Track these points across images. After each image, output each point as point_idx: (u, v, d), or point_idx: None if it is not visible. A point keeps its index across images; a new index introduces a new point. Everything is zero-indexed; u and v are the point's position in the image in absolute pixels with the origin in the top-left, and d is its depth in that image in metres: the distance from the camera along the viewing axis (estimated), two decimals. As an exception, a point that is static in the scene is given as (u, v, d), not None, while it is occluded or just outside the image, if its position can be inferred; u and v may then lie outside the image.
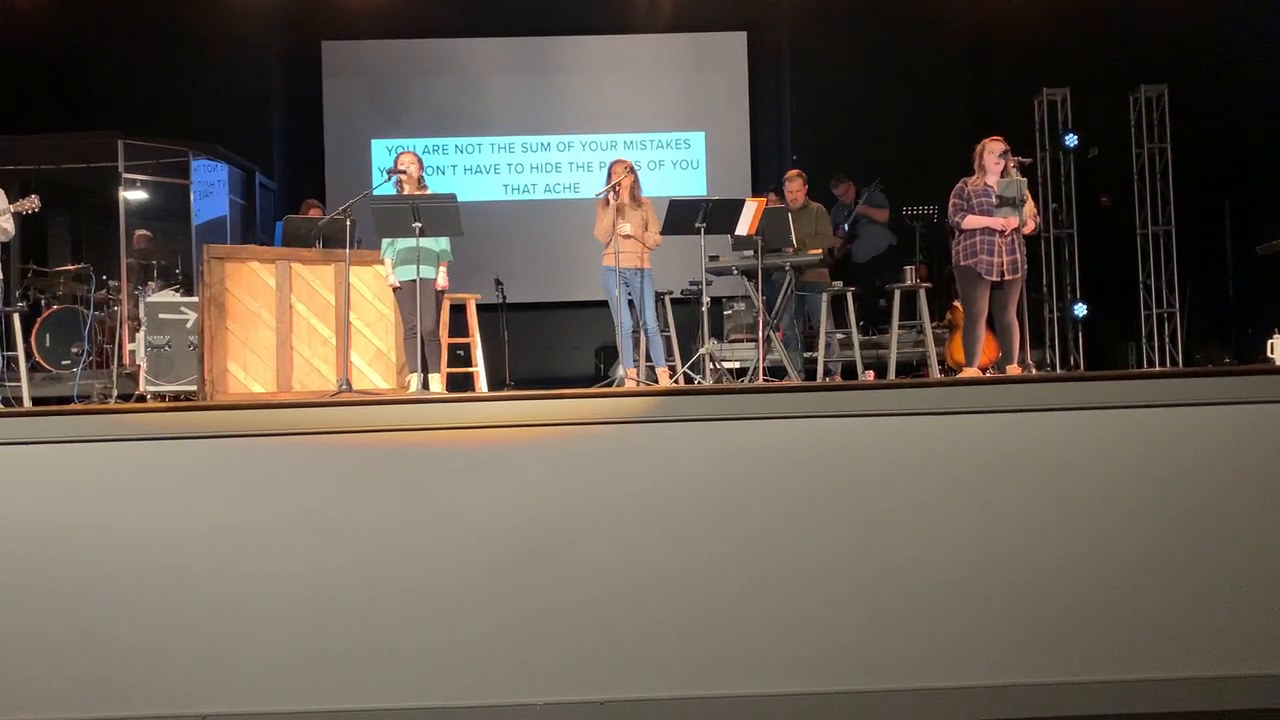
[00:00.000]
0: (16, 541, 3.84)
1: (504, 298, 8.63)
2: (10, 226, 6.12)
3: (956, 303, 7.60)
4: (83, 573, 3.83)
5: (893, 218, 8.46)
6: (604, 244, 6.21)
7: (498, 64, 10.27)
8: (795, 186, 7.08)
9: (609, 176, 6.27)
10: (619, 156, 6.73)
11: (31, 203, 6.09)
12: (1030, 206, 5.85)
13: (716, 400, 4.08)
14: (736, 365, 7.78)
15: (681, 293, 7.60)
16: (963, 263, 5.88)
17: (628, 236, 6.12)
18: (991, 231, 5.76)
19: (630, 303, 6.31)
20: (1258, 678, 3.83)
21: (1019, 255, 5.83)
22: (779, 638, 3.85)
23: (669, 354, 6.84)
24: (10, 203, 6.10)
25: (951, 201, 5.92)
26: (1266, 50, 8.16)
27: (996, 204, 5.76)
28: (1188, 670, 3.84)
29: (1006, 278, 5.81)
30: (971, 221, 5.81)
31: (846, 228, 8.27)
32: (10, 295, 7.74)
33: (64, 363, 7.54)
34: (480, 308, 7.01)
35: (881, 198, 8.31)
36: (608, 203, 6.19)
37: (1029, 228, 5.86)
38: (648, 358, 6.48)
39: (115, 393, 6.80)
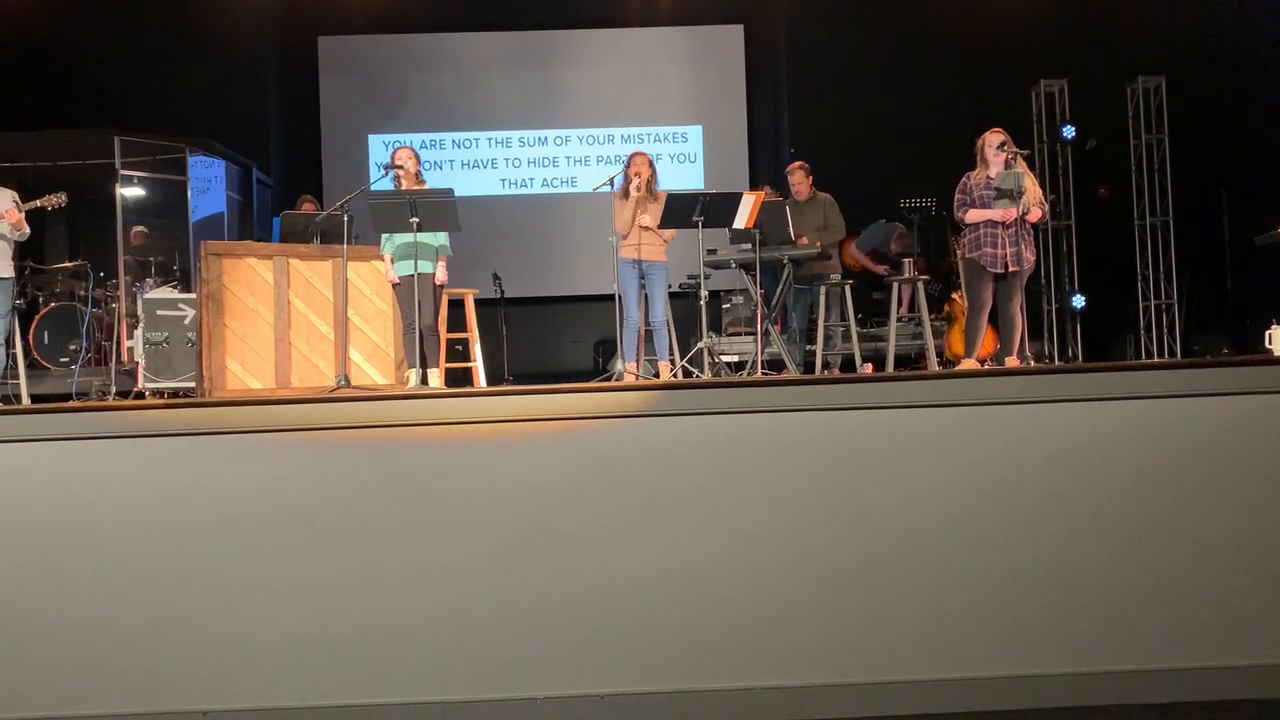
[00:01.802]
0: (15, 539, 3.84)
1: (502, 292, 8.62)
2: (26, 226, 6.10)
3: (955, 295, 7.60)
4: (81, 569, 3.83)
5: (890, 210, 8.46)
6: (622, 236, 6.22)
7: (495, 59, 10.25)
8: (798, 179, 7.00)
9: (627, 167, 6.27)
10: (638, 150, 6.67)
11: (59, 199, 6.07)
12: (1035, 194, 5.80)
13: (715, 394, 4.08)
14: (735, 359, 7.78)
15: (680, 286, 7.59)
16: (967, 255, 5.88)
17: (647, 228, 6.12)
18: (994, 224, 5.74)
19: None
20: (1258, 668, 3.84)
21: (1024, 246, 5.79)
22: (778, 630, 3.86)
23: (669, 348, 6.84)
24: (22, 200, 6.06)
25: (955, 196, 5.92)
26: (1264, 42, 8.15)
27: (995, 196, 5.75)
28: (1187, 660, 3.85)
29: (1010, 269, 5.79)
30: (973, 215, 5.80)
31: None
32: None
33: (62, 360, 7.54)
34: (478, 303, 7.00)
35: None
36: (626, 195, 6.19)
37: (1034, 215, 5.81)
38: (649, 352, 6.49)
39: (113, 390, 6.80)
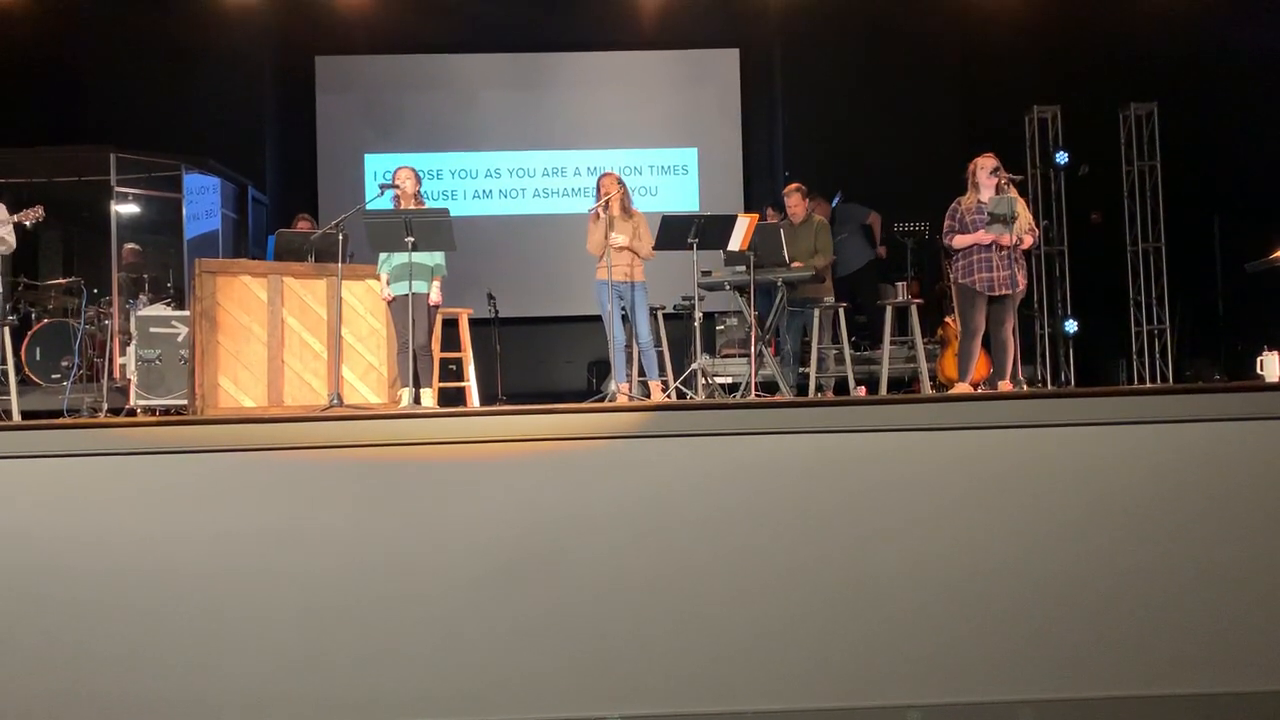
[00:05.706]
0: (6, 555, 3.82)
1: (496, 312, 8.62)
2: (11, 239, 6.11)
3: (948, 319, 7.62)
4: (72, 586, 3.81)
5: (884, 233, 8.48)
6: (597, 257, 6.23)
7: (491, 80, 10.30)
8: (794, 201, 7.02)
9: (598, 190, 6.30)
10: (607, 170, 6.73)
11: (36, 213, 6.07)
12: (1027, 220, 5.82)
13: (708, 415, 4.08)
14: (729, 380, 7.79)
15: (674, 308, 7.60)
16: (961, 280, 5.88)
17: (621, 249, 6.13)
18: (987, 248, 5.75)
19: (624, 317, 6.31)
20: (1249, 694, 3.83)
21: (1016, 270, 5.80)
22: (771, 653, 3.84)
23: (661, 369, 6.84)
24: (10, 214, 6.08)
25: (945, 222, 5.93)
26: (1255, 69, 8.22)
27: (988, 221, 5.76)
28: (1179, 687, 3.84)
29: (1004, 292, 5.80)
30: (960, 240, 5.82)
31: None
32: (1, 308, 7.71)
33: (54, 376, 7.51)
34: (472, 322, 7.00)
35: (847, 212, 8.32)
36: (598, 216, 6.22)
37: (1026, 242, 5.83)
38: (640, 372, 6.48)
39: (105, 407, 6.77)
